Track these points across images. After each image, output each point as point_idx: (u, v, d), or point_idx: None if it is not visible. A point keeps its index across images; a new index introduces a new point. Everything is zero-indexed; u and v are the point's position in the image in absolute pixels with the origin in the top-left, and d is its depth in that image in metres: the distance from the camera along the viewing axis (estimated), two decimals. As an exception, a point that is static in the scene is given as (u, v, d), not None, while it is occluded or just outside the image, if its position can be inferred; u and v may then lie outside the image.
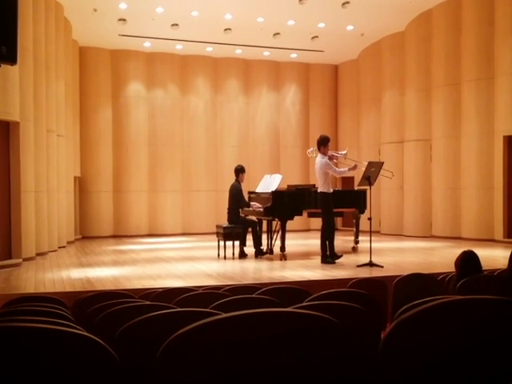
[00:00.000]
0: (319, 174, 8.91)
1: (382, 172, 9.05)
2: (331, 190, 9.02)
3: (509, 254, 4.41)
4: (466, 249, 4.53)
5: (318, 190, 9.03)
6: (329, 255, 9.01)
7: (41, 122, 10.64)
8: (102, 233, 15.15)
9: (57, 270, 8.54)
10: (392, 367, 1.52)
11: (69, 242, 12.93)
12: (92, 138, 15.19)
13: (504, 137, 12.27)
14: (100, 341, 1.57)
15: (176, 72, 16.01)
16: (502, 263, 7.58)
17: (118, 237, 15.12)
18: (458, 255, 4.43)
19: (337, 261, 8.96)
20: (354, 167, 9.02)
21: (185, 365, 1.48)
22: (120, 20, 13.33)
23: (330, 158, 9.25)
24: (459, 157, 13.30)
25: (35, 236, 10.14)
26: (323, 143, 8.95)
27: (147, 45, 15.11)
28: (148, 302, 3.58)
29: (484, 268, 4.64)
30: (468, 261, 4.35)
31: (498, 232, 12.47)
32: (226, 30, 14.15)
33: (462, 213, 13.27)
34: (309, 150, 10.12)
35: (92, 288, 6.63)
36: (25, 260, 9.51)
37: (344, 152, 9.69)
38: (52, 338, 1.55)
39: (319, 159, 8.93)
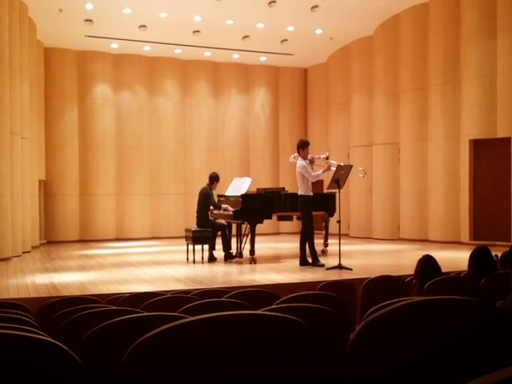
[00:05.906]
0: (298, 177, 9.00)
1: (353, 171, 9.19)
2: (311, 194, 9.05)
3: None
4: (427, 253, 4.60)
5: (298, 193, 9.06)
6: (312, 259, 9.02)
7: (4, 124, 10.41)
8: (68, 237, 14.87)
9: (21, 276, 8.34)
10: (360, 368, 1.51)
11: (33, 247, 12.66)
12: (58, 141, 14.92)
13: (470, 140, 12.49)
14: (62, 346, 1.53)
15: (144, 74, 15.86)
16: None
17: (84, 241, 14.87)
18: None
19: (314, 267, 8.90)
20: (328, 168, 9.10)
21: (151, 368, 1.44)
22: (86, 21, 13.13)
23: (311, 161, 9.32)
24: (426, 160, 13.50)
25: (-2, 241, 9.91)
26: (302, 146, 9.06)
27: (114, 46, 14.93)
28: (114, 307, 3.52)
29: (450, 270, 4.70)
30: (428, 264, 4.40)
31: (464, 234, 12.68)
32: (194, 32, 14.08)
33: (429, 215, 13.46)
34: (291, 157, 10.13)
35: (57, 294, 6.49)
36: (-12, 265, 9.28)
37: (324, 155, 9.65)
38: (13, 344, 1.49)
39: (299, 162, 9.02)
